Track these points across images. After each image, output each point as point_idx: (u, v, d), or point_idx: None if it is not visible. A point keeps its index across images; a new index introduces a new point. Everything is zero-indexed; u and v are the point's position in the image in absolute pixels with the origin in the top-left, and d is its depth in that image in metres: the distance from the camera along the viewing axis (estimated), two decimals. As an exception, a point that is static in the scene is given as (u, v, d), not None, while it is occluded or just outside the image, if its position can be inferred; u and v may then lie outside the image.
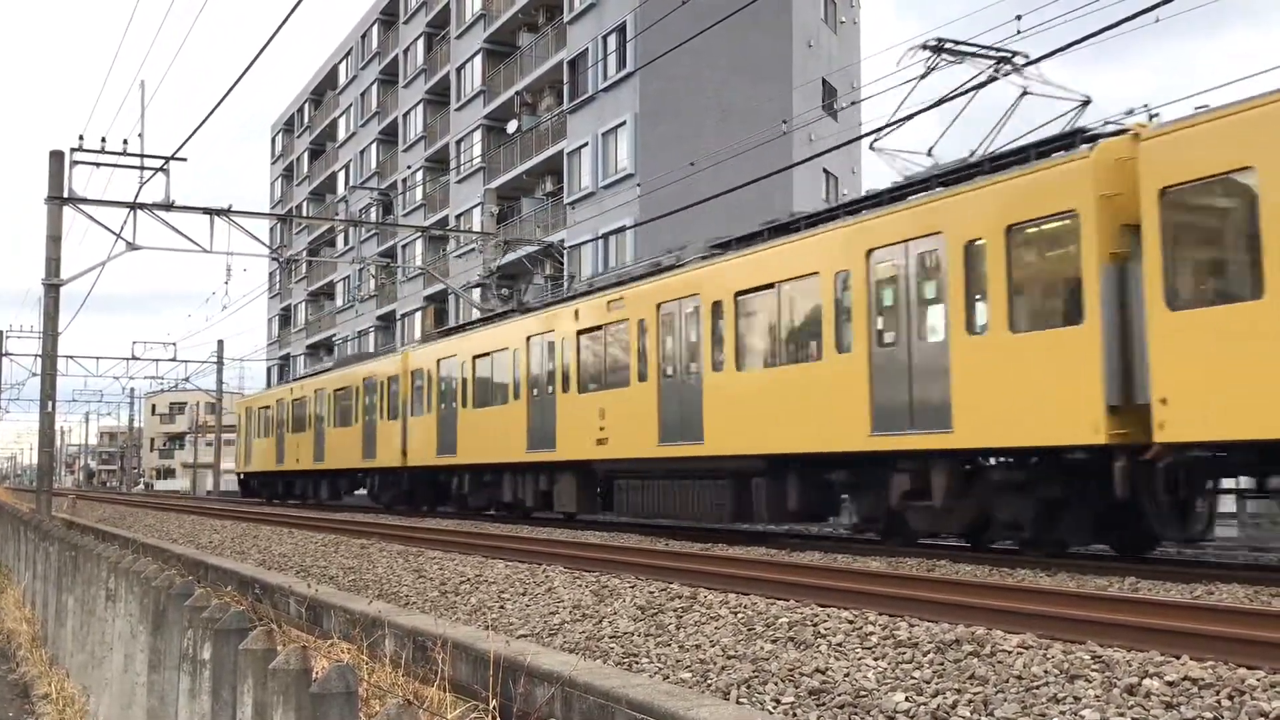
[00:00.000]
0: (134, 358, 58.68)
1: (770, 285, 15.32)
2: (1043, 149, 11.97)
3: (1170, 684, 5.52)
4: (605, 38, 38.61)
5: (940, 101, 14.69)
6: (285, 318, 75.96)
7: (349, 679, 3.25)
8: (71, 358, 57.77)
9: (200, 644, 4.52)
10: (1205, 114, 10.04)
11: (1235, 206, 10.04)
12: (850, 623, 7.52)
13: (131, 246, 26.21)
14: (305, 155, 73.26)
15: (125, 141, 26.00)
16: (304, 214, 68.21)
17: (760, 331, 15.74)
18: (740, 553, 13.51)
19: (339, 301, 65.31)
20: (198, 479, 74.19)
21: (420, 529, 19.10)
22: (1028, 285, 11.90)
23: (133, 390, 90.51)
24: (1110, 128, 11.62)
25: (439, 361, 25.78)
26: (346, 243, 61.87)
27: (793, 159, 32.33)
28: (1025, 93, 14.00)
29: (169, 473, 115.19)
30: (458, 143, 49.93)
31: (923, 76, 14.74)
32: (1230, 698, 5.30)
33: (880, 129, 15.03)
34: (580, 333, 19.89)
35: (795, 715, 5.67)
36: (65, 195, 25.20)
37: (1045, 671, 5.87)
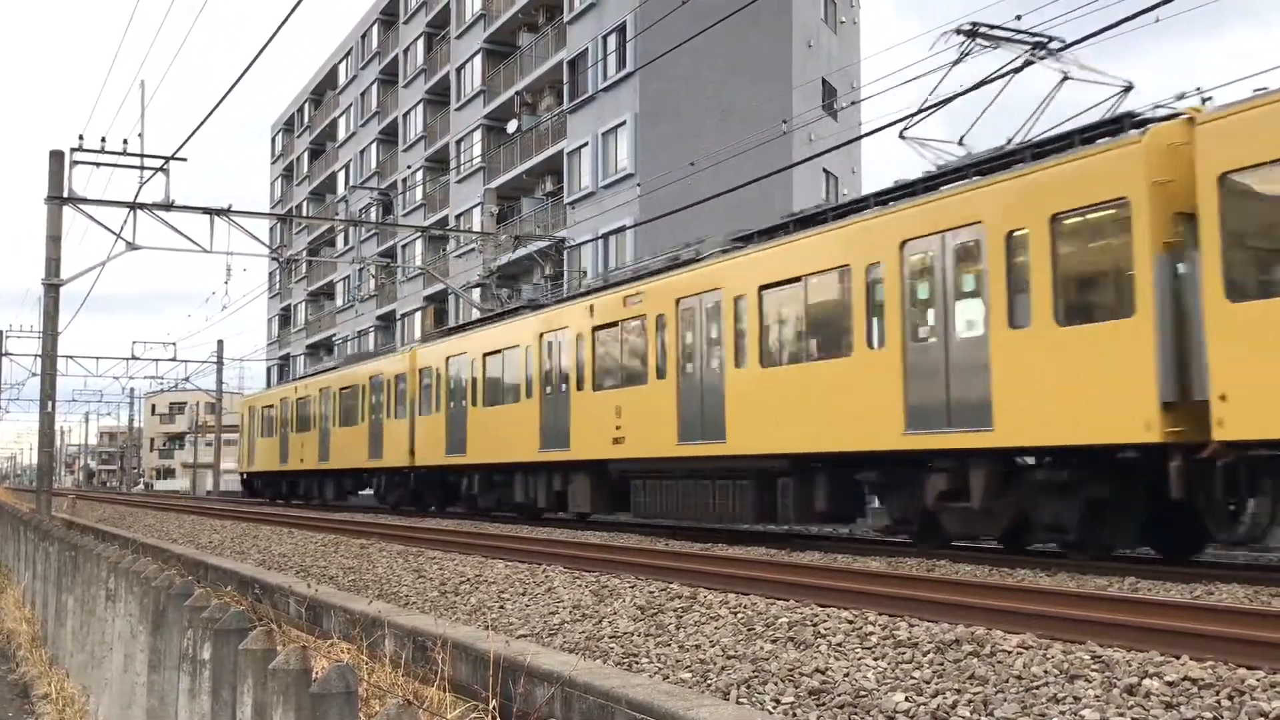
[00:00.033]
0: (134, 358, 58.77)
1: (797, 279, 14.82)
2: (1087, 135, 11.53)
3: (1170, 684, 5.52)
4: (605, 38, 38.61)
5: (978, 85, 14.17)
6: (285, 318, 75.95)
7: (349, 679, 3.25)
8: (71, 358, 57.92)
9: (200, 644, 4.52)
10: (1266, 96, 9.64)
11: None
12: (850, 623, 7.52)
13: (131, 246, 26.22)
14: (305, 155, 73.26)
15: (125, 141, 26.05)
16: (304, 214, 68.21)
17: (786, 326, 15.30)
18: (740, 553, 13.50)
19: (339, 301, 65.30)
20: (197, 479, 74.21)
21: (420, 529, 19.09)
22: (1074, 277, 11.40)
23: (132, 390, 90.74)
24: (1161, 112, 11.16)
25: (448, 359, 25.39)
26: (346, 243, 61.87)
27: (793, 159, 32.35)
28: (1066, 77, 13.56)
29: (169, 473, 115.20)
30: (458, 143, 49.93)
31: (956, 62, 14.30)
32: (1230, 698, 5.30)
33: (913, 115, 14.47)
34: (596, 329, 19.47)
35: (795, 715, 5.67)
36: (65, 195, 25.21)
37: (1045, 671, 5.87)
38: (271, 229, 66.22)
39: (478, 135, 47.99)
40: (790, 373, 14.97)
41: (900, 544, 14.54)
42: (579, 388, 19.85)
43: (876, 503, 16.43)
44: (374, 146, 60.70)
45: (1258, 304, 9.58)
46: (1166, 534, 11.68)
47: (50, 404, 25.62)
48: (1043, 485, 11.85)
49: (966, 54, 14.16)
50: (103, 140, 25.78)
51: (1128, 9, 13.96)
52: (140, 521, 29.85)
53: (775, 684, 6.17)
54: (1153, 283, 10.35)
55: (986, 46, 14.10)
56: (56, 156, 25.21)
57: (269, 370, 76.48)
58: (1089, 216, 11.12)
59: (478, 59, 48.32)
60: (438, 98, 53.26)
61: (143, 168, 25.61)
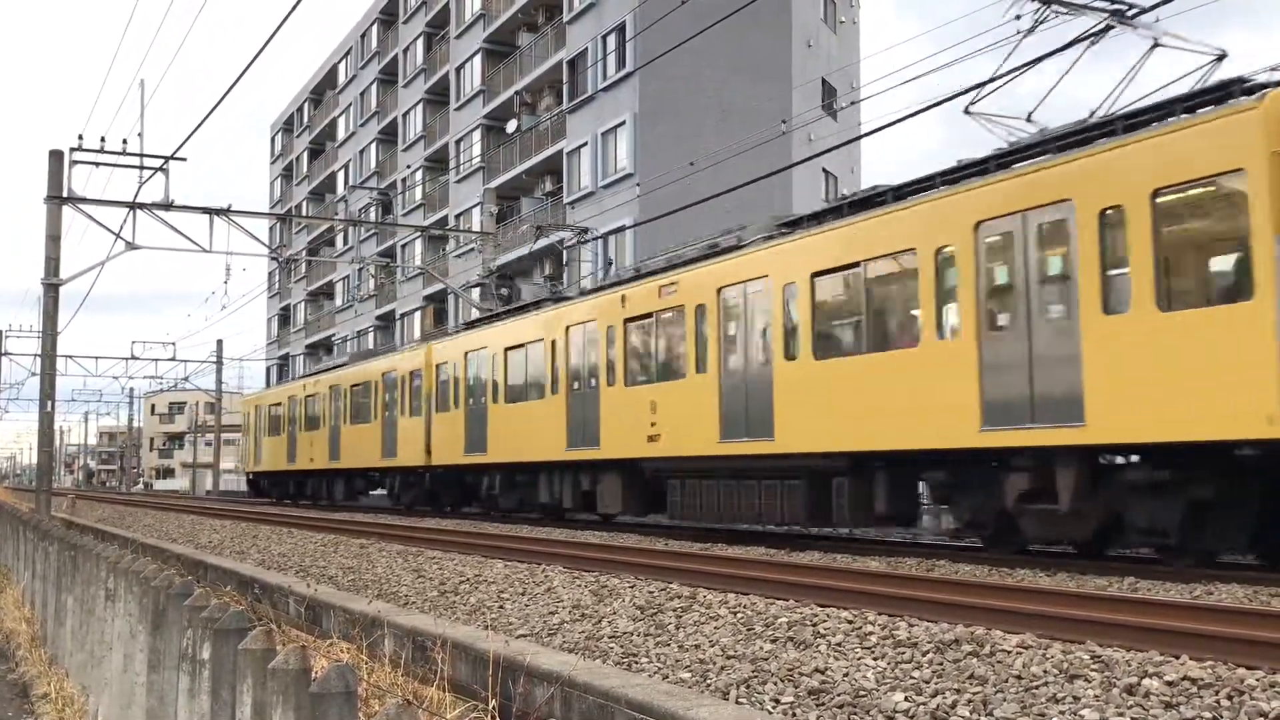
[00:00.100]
0: (133, 357, 58.78)
1: (854, 264, 13.83)
2: (1189, 103, 10.63)
3: (1170, 684, 5.52)
4: (605, 37, 38.63)
5: (1061, 48, 13.27)
6: (284, 317, 75.98)
7: (348, 679, 3.24)
8: (71, 357, 57.92)
9: (200, 644, 4.52)
10: None
11: None
12: (850, 622, 7.52)
13: (131, 246, 26.23)
14: (305, 155, 73.29)
15: (125, 141, 26.09)
16: (303, 214, 68.24)
17: (842, 316, 14.40)
18: (740, 553, 13.49)
19: (338, 301, 65.33)
20: (197, 479, 74.23)
21: (420, 529, 19.09)
22: (1180, 257, 10.45)
23: (132, 390, 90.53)
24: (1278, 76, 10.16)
25: (466, 354, 24.48)
26: (346, 242, 61.90)
27: (792, 159, 32.37)
28: (1156, 44, 12.85)
29: (168, 472, 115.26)
30: (457, 142, 49.95)
31: (1030, 31, 13.65)
32: (1230, 698, 5.30)
33: (981, 85, 13.62)
34: (628, 321, 18.55)
35: (795, 715, 5.67)
36: (65, 195, 25.22)
37: (1044, 671, 5.87)
38: (271, 229, 66.27)
39: (477, 135, 48.00)
40: (847, 365, 13.98)
41: (968, 547, 13.67)
42: (610, 383, 19.02)
43: (930, 503, 15.68)
44: (373, 146, 60.72)
45: None
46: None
47: (50, 404, 25.63)
48: (1138, 485, 10.89)
49: (1040, 21, 13.52)
50: (102, 140, 25.79)
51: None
52: (140, 521, 29.85)
53: (775, 684, 6.17)
54: (1274, 262, 9.41)
55: (1063, 13, 13.41)
56: (56, 156, 25.22)
57: (268, 370, 76.50)
58: (1197, 191, 10.20)
59: (477, 59, 48.33)
60: (437, 97, 53.27)
61: (142, 167, 25.62)
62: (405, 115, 56.87)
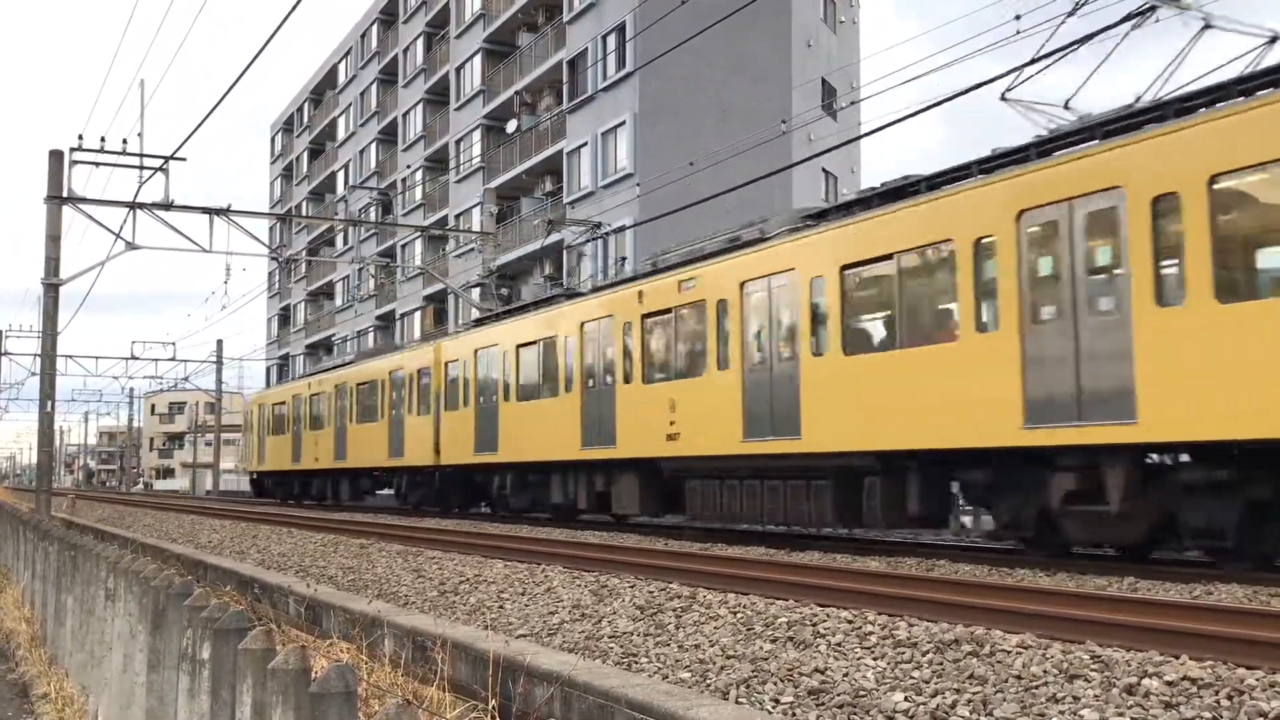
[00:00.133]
0: (133, 357, 58.77)
1: (887, 256, 13.36)
2: (1246, 86, 10.18)
3: (1169, 684, 5.52)
4: (605, 37, 38.65)
5: (1102, 30, 12.84)
6: (284, 317, 76.00)
7: (348, 679, 3.24)
8: (71, 357, 57.93)
9: (199, 644, 4.52)
10: None
11: None
12: (849, 622, 7.52)
13: (131, 246, 26.23)
14: (305, 155, 73.31)
15: (125, 141, 26.09)
16: (303, 214, 68.26)
17: (873, 310, 13.98)
18: (739, 552, 13.49)
19: (338, 301, 65.35)
20: (197, 478, 74.23)
21: (420, 529, 19.08)
22: (1240, 245, 10.01)
23: (132, 390, 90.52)
24: None
25: (476, 352, 24.00)
26: (346, 242, 61.92)
27: (792, 159, 32.38)
28: (1207, 25, 12.45)
29: (168, 472, 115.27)
30: (457, 142, 49.96)
31: (1070, 14, 13.39)
32: (1229, 698, 5.30)
33: (1018, 68, 13.15)
34: (645, 316, 18.06)
35: (794, 715, 5.67)
36: (65, 195, 25.22)
37: (1044, 671, 5.87)
38: (271, 229, 66.28)
39: (477, 135, 48.02)
40: (880, 361, 13.51)
41: (1010, 551, 13.07)
42: (626, 380, 18.54)
43: (964, 503, 15.29)
44: (373, 146, 60.74)
45: None
46: None
47: (50, 404, 25.63)
48: (1192, 485, 10.48)
49: (1081, 5, 13.25)
50: (102, 140, 25.78)
51: (1127, 8, 13.75)
52: (139, 521, 29.85)
53: (774, 684, 6.17)
54: None
55: None
56: (56, 156, 25.23)
57: (268, 370, 76.52)
58: (1257, 176, 9.73)
59: (477, 59, 48.35)
60: (437, 97, 53.29)
61: (142, 167, 25.62)
62: (405, 115, 56.89)
